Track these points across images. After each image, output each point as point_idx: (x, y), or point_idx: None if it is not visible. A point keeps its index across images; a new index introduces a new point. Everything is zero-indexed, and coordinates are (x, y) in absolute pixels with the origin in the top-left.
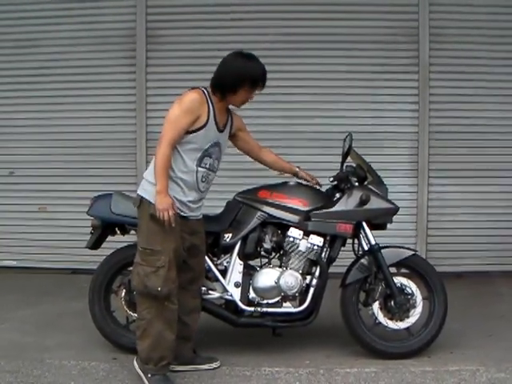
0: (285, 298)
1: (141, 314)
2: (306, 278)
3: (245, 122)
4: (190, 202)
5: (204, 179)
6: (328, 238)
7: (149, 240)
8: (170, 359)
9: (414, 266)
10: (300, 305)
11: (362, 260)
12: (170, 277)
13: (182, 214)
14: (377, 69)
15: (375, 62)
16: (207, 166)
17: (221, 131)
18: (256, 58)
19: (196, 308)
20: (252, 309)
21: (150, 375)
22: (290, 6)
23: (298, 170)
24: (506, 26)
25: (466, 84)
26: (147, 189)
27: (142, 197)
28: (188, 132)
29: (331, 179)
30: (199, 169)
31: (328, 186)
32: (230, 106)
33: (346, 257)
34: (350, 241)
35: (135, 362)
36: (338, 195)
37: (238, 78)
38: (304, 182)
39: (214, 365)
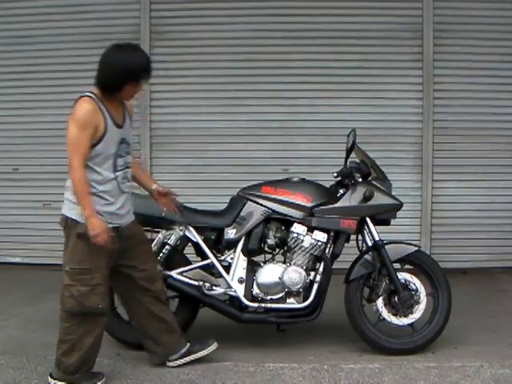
0: (289, 294)
1: (69, 329)
2: (309, 274)
3: (250, 119)
4: (119, 209)
5: (124, 180)
6: (332, 233)
7: (78, 259)
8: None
9: (418, 262)
10: (304, 301)
11: (366, 256)
12: (106, 291)
13: (114, 225)
14: (381, 64)
15: (379, 57)
16: (123, 167)
17: (121, 127)
18: (135, 46)
19: (163, 305)
20: (256, 305)
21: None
22: (295, 1)
23: (154, 187)
24: (510, 21)
25: (470, 80)
26: (72, 208)
27: (67, 217)
28: (92, 146)
29: (335, 175)
30: (117, 173)
31: (332, 182)
32: None
33: (349, 253)
34: (353, 237)
35: (50, 379)
36: (341, 191)
37: (119, 75)
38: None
39: (211, 348)
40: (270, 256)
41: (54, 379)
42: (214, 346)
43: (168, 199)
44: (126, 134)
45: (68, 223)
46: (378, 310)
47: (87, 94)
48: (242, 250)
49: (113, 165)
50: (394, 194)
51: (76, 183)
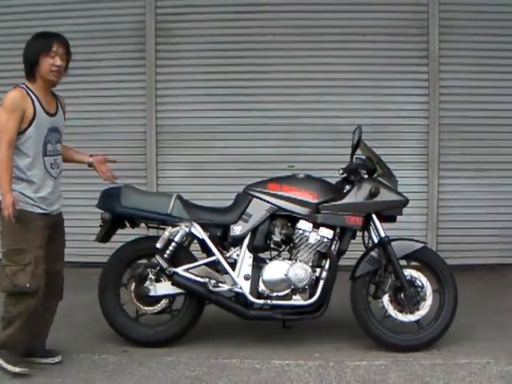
0: (294, 291)
1: (7, 309)
2: (315, 271)
3: (255, 115)
4: (49, 194)
5: (53, 166)
6: (338, 230)
7: (13, 240)
8: (20, 352)
9: (424, 259)
10: (310, 297)
11: (372, 252)
12: (38, 273)
13: (42, 211)
14: (387, 61)
15: (385, 54)
16: (52, 153)
17: (52, 115)
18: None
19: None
20: (262, 301)
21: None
22: None
23: (90, 160)
24: None
25: (477, 76)
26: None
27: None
28: (21, 132)
29: (341, 171)
30: (45, 158)
31: (338, 179)
32: None
33: (355, 249)
34: (359, 233)
35: None
36: (347, 187)
37: (28, 54)
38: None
39: (56, 359)
40: (276, 253)
41: None
42: (58, 359)
43: (106, 166)
44: (57, 123)
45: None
46: (383, 306)
47: (19, 84)
48: (248, 247)
49: (42, 150)
50: (399, 190)
51: (0, 161)
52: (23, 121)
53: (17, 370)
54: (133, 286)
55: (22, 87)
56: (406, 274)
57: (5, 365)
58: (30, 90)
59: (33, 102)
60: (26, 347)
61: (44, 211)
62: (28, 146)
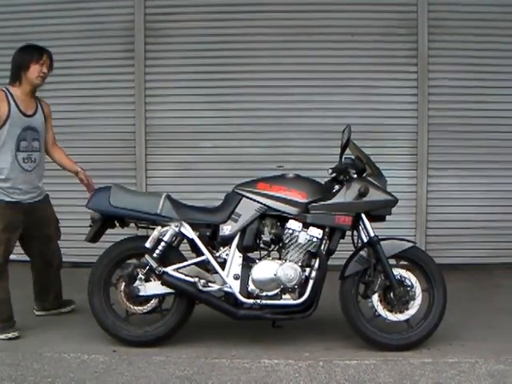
0: (284, 291)
1: None
2: (305, 271)
3: (244, 115)
4: (19, 184)
5: (27, 160)
6: (327, 230)
7: None
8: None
9: (414, 258)
10: (299, 297)
11: (362, 252)
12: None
13: (10, 199)
14: (376, 61)
15: (374, 53)
16: (26, 149)
17: (29, 116)
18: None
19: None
20: (251, 301)
21: None
22: None
23: (79, 170)
24: (505, 17)
25: (465, 76)
26: None
27: None
28: None
29: (330, 171)
30: (18, 153)
31: (327, 178)
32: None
33: (345, 249)
34: (349, 233)
35: None
36: (336, 187)
37: (17, 61)
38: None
39: (69, 308)
40: (266, 252)
41: None
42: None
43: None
44: (35, 123)
45: None
46: (373, 306)
47: (1, 87)
48: (237, 247)
49: (16, 146)
50: (388, 190)
51: None
52: None
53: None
54: (122, 286)
55: (2, 90)
56: (395, 273)
57: None
58: (10, 92)
59: (9, 103)
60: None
61: (12, 199)
62: (1, 141)
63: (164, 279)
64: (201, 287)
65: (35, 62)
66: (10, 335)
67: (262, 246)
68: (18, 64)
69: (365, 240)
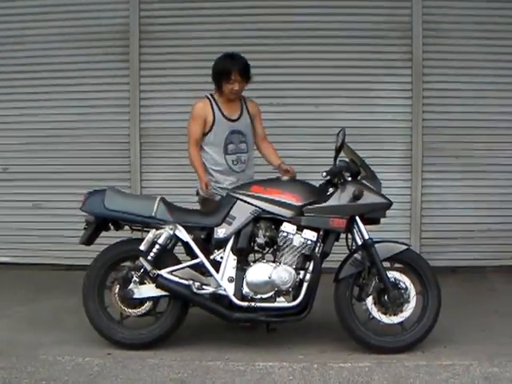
0: (278, 293)
1: None
2: (299, 273)
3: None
4: (230, 185)
5: (236, 162)
6: (321, 232)
7: None
8: None
9: (408, 261)
10: (293, 300)
11: (356, 255)
12: None
13: None
14: (370, 64)
15: (368, 57)
16: (233, 151)
17: (234, 120)
18: (228, 54)
19: None
20: (246, 304)
21: None
22: (284, 1)
23: (280, 163)
24: (500, 20)
25: (460, 79)
26: None
27: None
28: (205, 134)
29: (324, 174)
30: (227, 156)
31: (321, 181)
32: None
33: (339, 252)
34: (343, 235)
35: None
36: (331, 190)
37: (213, 74)
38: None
39: None
40: (260, 255)
41: None
42: None
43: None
44: (240, 126)
45: None
46: (367, 308)
47: (206, 94)
48: (232, 249)
49: (224, 149)
50: (383, 192)
51: (189, 156)
52: (205, 126)
53: None
54: (117, 289)
55: (208, 97)
56: (389, 276)
57: None
58: (214, 99)
59: (213, 110)
60: None
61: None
62: (210, 146)
63: (158, 282)
64: (195, 290)
65: (225, 81)
66: None
67: (256, 248)
68: (213, 78)
69: (359, 243)
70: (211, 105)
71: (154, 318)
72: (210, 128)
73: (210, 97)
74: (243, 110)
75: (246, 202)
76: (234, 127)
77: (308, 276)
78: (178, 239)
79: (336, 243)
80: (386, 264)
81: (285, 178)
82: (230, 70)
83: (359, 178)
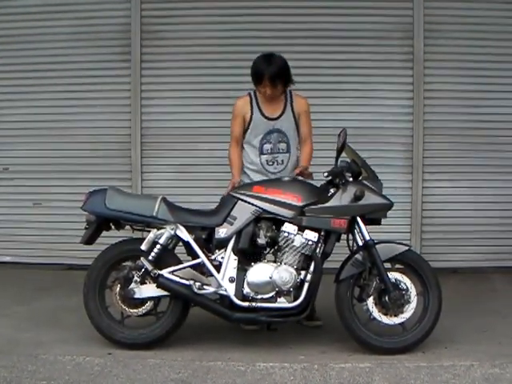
0: (279, 293)
1: None
2: (300, 274)
3: None
4: None
5: (271, 162)
6: (322, 233)
7: None
8: None
9: (409, 262)
10: (294, 300)
11: (357, 255)
12: None
13: None
14: (371, 64)
15: (370, 57)
16: (269, 151)
17: (274, 119)
18: (265, 55)
19: None
20: (246, 304)
21: None
22: (285, 1)
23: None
24: (501, 21)
25: (461, 80)
26: None
27: None
28: (244, 132)
29: (326, 174)
30: (262, 156)
31: (322, 182)
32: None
33: (340, 252)
34: (344, 236)
35: None
36: (332, 190)
37: (251, 75)
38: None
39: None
40: (261, 255)
41: None
42: None
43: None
44: (280, 125)
45: None
46: (368, 309)
47: (249, 91)
48: (233, 250)
49: (259, 148)
50: (384, 193)
51: (229, 153)
52: (245, 124)
53: None
54: (118, 288)
55: (249, 94)
56: (390, 276)
57: None
58: (256, 96)
59: (252, 108)
60: None
61: None
62: (247, 144)
63: (159, 282)
64: (196, 290)
65: (258, 84)
66: None
67: (257, 248)
68: (251, 75)
69: (360, 243)
70: (251, 102)
71: (155, 318)
72: (248, 126)
73: (251, 94)
74: (286, 108)
75: (247, 202)
76: (273, 126)
77: (309, 276)
78: (179, 239)
79: (337, 244)
80: (387, 265)
81: (286, 178)
82: (262, 74)
83: (360, 178)
